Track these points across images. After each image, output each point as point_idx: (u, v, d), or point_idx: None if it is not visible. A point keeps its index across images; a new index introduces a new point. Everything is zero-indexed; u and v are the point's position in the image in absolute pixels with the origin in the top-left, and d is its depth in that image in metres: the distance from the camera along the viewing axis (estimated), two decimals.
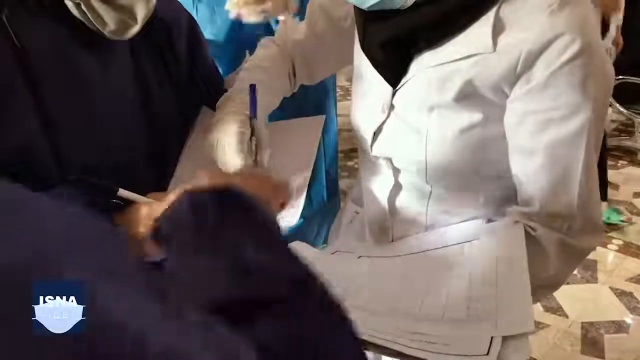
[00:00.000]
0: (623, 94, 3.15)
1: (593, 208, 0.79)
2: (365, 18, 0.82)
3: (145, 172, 0.82)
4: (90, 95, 0.76)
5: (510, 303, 0.67)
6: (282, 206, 0.73)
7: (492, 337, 0.62)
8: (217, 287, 0.41)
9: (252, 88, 0.81)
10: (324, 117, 0.94)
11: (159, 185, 0.83)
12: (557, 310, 2.28)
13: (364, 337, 0.63)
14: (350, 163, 3.51)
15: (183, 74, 0.90)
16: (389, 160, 0.87)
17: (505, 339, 0.61)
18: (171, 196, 0.73)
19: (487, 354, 0.60)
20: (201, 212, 0.48)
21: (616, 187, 3.24)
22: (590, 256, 2.57)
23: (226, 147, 0.78)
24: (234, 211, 0.48)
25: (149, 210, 0.69)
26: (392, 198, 0.90)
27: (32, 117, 0.70)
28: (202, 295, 0.40)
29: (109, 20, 0.72)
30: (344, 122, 4.00)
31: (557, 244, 0.78)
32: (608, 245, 2.69)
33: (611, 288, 2.42)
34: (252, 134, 0.78)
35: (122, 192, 0.70)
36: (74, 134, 0.74)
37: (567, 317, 2.24)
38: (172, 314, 0.30)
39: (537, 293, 0.71)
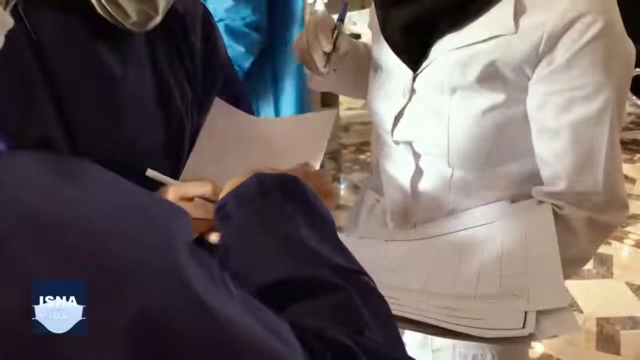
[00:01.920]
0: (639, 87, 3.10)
1: (618, 184, 0.80)
2: (386, 4, 0.83)
3: (160, 163, 0.82)
4: (108, 87, 0.75)
5: (542, 279, 0.67)
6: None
7: (526, 312, 0.62)
8: (272, 268, 0.45)
9: (344, 2, 0.97)
10: (334, 112, 0.94)
11: (173, 176, 0.82)
12: (572, 305, 2.26)
13: (398, 314, 0.63)
14: (362, 157, 3.51)
15: (198, 66, 0.90)
16: (410, 144, 0.88)
17: (540, 313, 0.62)
18: (197, 181, 0.73)
19: (523, 327, 0.60)
20: (267, 191, 0.52)
21: (632, 181, 3.20)
22: (606, 251, 2.55)
23: (315, 32, 0.90)
24: (295, 198, 0.51)
25: (176, 191, 0.70)
26: (413, 183, 0.90)
27: (49, 109, 0.70)
28: (253, 274, 0.44)
29: (131, 12, 0.72)
30: (354, 115, 4.01)
31: (584, 221, 0.79)
32: (624, 240, 2.66)
33: (627, 283, 2.39)
34: (336, 29, 0.91)
35: (151, 173, 0.71)
36: (91, 125, 0.74)
37: (582, 312, 2.22)
38: (220, 285, 0.33)
39: (566, 269, 0.71)
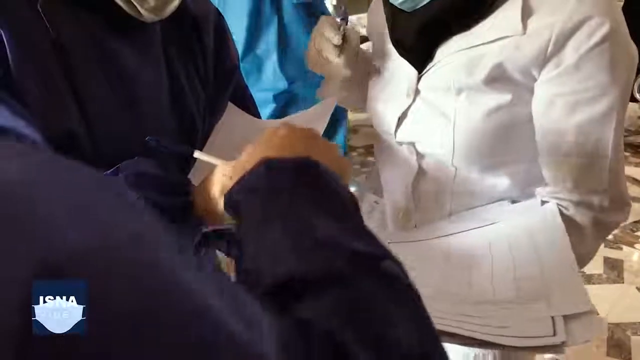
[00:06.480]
0: None
1: (622, 184, 0.82)
2: (395, 7, 0.83)
3: (170, 163, 0.82)
4: (125, 84, 0.76)
5: (560, 281, 0.66)
6: None
7: (553, 318, 0.60)
8: (280, 263, 0.40)
9: (345, 8, 1.03)
10: (334, 99, 0.92)
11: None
12: None
13: None
14: (370, 158, 3.50)
15: (210, 68, 0.90)
16: (413, 145, 0.88)
17: (566, 318, 0.61)
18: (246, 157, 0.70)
19: (554, 334, 0.58)
20: (276, 178, 0.47)
21: None
22: (617, 256, 2.53)
23: (321, 31, 0.92)
24: (310, 184, 0.47)
25: (225, 169, 0.69)
26: (415, 184, 0.90)
27: (71, 105, 0.71)
28: (264, 272, 0.40)
29: None
30: (363, 117, 4.00)
31: (589, 222, 0.80)
32: (635, 245, 2.64)
33: (638, 288, 2.37)
34: (341, 26, 0.92)
35: (198, 154, 0.72)
36: (109, 124, 0.74)
37: None
38: (193, 265, 0.30)
39: None
